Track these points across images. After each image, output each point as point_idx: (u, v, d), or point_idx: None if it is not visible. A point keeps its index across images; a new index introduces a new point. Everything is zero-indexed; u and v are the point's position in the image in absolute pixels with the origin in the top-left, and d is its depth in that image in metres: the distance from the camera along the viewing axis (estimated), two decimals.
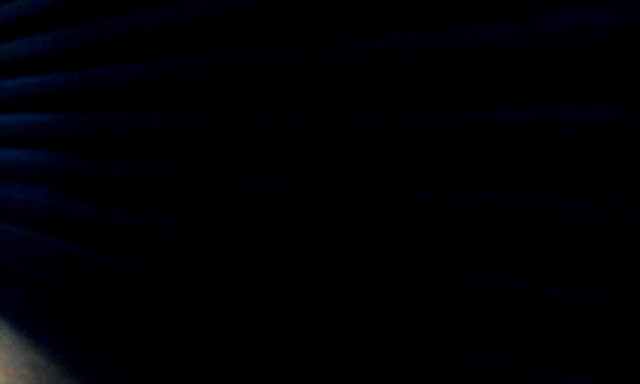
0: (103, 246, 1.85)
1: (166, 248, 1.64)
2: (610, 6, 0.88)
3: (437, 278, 1.08)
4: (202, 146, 1.56)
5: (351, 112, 1.21)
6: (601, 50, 0.91)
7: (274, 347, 1.34)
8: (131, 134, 1.75)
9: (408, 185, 1.13)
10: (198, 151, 1.57)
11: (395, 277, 1.14)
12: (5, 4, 2.33)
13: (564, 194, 0.95)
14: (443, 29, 1.06)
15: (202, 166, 1.56)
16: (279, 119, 1.34)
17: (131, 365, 1.36)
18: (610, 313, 0.89)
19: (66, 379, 1.29)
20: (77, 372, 1.33)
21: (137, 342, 1.51)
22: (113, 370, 1.34)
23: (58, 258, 2.03)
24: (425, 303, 1.10)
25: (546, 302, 0.96)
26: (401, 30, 1.14)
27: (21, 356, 1.43)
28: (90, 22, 1.90)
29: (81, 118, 1.93)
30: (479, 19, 1.03)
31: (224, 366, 1.36)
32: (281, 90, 1.36)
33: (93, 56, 1.91)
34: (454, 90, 1.07)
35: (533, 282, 0.97)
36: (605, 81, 0.91)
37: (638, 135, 0.86)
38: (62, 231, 2.04)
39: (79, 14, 1.96)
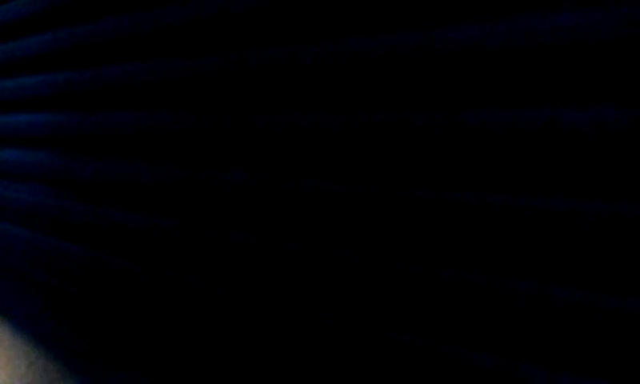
0: (103, 246, 1.85)
1: (169, 248, 1.63)
2: (609, 6, 0.88)
3: (437, 278, 1.08)
4: (201, 145, 1.56)
5: (358, 111, 1.20)
6: (605, 50, 0.91)
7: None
8: (131, 134, 1.74)
9: (405, 185, 1.13)
10: (197, 151, 1.57)
11: (387, 275, 1.14)
12: (4, 4, 2.33)
13: (568, 194, 0.95)
14: (444, 29, 1.06)
15: (202, 165, 1.56)
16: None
17: (133, 366, 1.36)
18: (613, 313, 0.89)
19: (66, 379, 1.29)
20: (77, 372, 1.33)
21: (138, 343, 1.50)
22: (113, 371, 1.33)
23: (58, 258, 2.02)
24: (420, 303, 1.10)
25: (548, 302, 0.95)
26: (401, 30, 1.14)
27: (21, 356, 1.43)
28: (88, 23, 1.90)
29: (80, 118, 1.93)
30: (479, 19, 1.03)
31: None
32: (290, 89, 1.36)
33: (91, 56, 1.91)
34: (457, 91, 1.07)
35: (536, 281, 0.97)
36: (609, 81, 0.91)
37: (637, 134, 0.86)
38: (61, 231, 2.04)
39: (79, 15, 1.96)
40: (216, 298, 1.48)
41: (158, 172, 1.66)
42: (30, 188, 2.23)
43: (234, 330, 1.44)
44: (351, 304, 1.21)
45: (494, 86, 1.02)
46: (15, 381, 1.28)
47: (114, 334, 1.56)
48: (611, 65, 0.90)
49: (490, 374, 1.01)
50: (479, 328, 1.04)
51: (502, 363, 1.00)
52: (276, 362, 1.35)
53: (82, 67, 1.96)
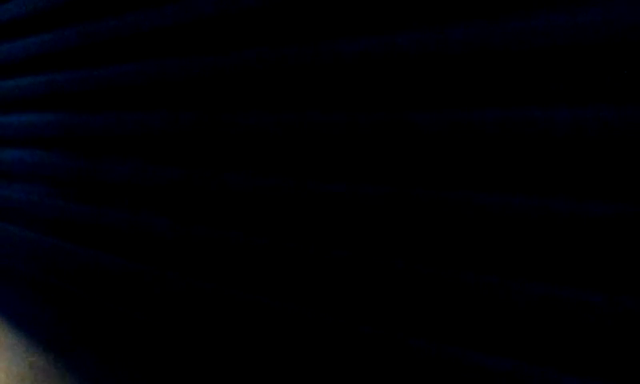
0: (102, 246, 1.85)
1: (166, 248, 1.63)
2: (604, 6, 0.88)
3: (437, 278, 1.08)
4: (200, 146, 1.56)
5: (357, 112, 1.20)
6: (599, 50, 0.90)
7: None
8: (131, 134, 1.74)
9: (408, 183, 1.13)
10: (196, 152, 1.57)
11: (384, 274, 1.14)
12: (5, 4, 2.33)
13: (565, 193, 0.95)
14: (439, 29, 1.06)
15: (201, 166, 1.56)
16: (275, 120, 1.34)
17: (134, 367, 1.36)
18: (611, 312, 0.89)
19: (66, 380, 1.29)
20: (77, 372, 1.33)
21: (139, 344, 1.50)
22: (114, 371, 1.33)
23: (59, 258, 2.02)
24: (424, 303, 1.10)
25: (546, 301, 0.95)
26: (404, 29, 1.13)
27: (21, 356, 1.43)
28: (88, 23, 1.90)
29: (80, 118, 1.93)
30: (474, 18, 1.03)
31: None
32: (281, 89, 1.36)
33: (92, 56, 1.91)
34: (454, 90, 1.07)
35: (536, 282, 0.97)
36: (604, 80, 0.90)
37: (632, 135, 0.86)
38: (61, 231, 2.04)
39: (78, 15, 1.96)
40: (222, 298, 1.48)
41: (157, 172, 1.66)
42: (30, 188, 2.23)
43: (236, 329, 1.44)
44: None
45: (497, 85, 1.01)
46: (15, 381, 1.28)
47: (114, 335, 1.56)
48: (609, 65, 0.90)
49: (493, 374, 1.01)
50: (480, 328, 1.03)
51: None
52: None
53: (82, 67, 1.96)
